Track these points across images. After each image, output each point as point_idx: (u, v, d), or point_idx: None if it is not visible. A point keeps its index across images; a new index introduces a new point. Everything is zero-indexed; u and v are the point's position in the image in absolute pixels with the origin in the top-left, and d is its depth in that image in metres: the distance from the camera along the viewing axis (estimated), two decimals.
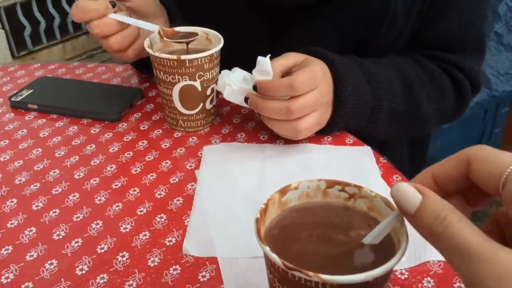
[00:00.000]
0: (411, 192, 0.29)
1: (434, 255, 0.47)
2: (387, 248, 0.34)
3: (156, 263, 0.47)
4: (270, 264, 0.33)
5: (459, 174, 0.30)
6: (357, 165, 0.60)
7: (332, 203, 0.38)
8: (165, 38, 0.67)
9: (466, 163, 0.30)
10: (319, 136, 0.66)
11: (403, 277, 0.45)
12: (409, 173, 0.90)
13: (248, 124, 0.70)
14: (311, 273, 0.30)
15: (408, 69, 0.71)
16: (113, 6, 0.66)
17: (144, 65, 0.78)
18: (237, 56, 0.63)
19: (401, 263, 0.46)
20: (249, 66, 0.61)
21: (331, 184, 0.38)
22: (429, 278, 0.45)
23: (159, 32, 0.66)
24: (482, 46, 0.77)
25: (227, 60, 0.66)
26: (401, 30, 0.72)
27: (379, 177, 0.58)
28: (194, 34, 0.68)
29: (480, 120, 1.79)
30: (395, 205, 0.35)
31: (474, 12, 0.72)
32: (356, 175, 0.58)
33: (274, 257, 0.31)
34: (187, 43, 0.67)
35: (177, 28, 0.69)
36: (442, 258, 0.46)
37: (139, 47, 0.69)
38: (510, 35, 1.69)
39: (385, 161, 0.62)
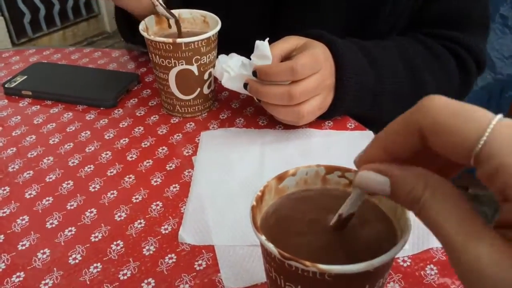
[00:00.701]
0: (375, 179, 0.27)
1: (437, 242, 0.45)
2: (389, 237, 0.32)
3: (151, 252, 0.46)
4: (266, 253, 0.32)
5: (413, 147, 0.26)
6: (358, 150, 0.58)
7: (331, 190, 0.37)
8: (157, 8, 0.64)
9: (420, 135, 0.25)
10: (319, 121, 0.64)
11: (405, 265, 0.44)
12: None
13: (247, 109, 0.68)
14: (308, 263, 0.28)
15: (411, 50, 0.69)
16: None
17: (132, 28, 0.75)
18: (237, 38, 0.61)
19: (404, 251, 0.45)
20: (249, 49, 0.58)
21: (330, 170, 0.37)
22: (432, 266, 0.43)
23: (152, 2, 0.64)
24: (486, 23, 0.75)
25: (227, 43, 0.64)
26: (403, 9, 0.70)
27: None
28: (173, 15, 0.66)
29: (484, 104, 1.75)
30: None
31: None
32: None
33: (270, 246, 0.30)
34: (177, 23, 0.66)
35: (182, 13, 0.67)
36: None
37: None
38: None
39: None
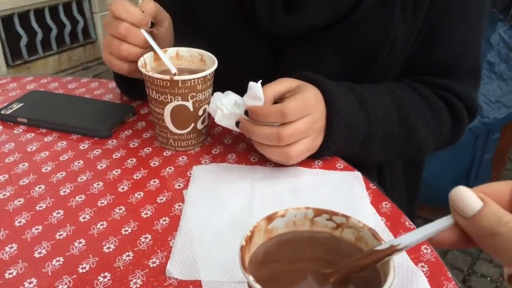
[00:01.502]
0: (471, 197, 0.30)
1: (421, 286, 0.46)
2: (374, 282, 0.33)
3: (138, 285, 0.46)
4: None
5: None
6: (346, 191, 0.60)
7: (319, 234, 0.38)
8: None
9: None
10: (309, 160, 0.65)
11: None
12: (406, 197, 0.91)
13: (239, 146, 0.70)
14: None
15: (403, 95, 0.71)
16: (152, 26, 0.67)
17: (128, 86, 0.77)
18: (236, 81, 0.62)
19: None
20: (246, 90, 0.60)
21: (318, 212, 0.38)
22: None
23: (174, 74, 0.66)
24: (478, 73, 0.78)
25: (228, 82, 0.66)
26: (398, 57, 0.73)
27: (368, 204, 0.58)
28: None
29: (471, 146, 1.80)
30: (382, 237, 0.35)
31: (469, 39, 0.73)
32: (345, 201, 0.58)
33: (257, 287, 0.31)
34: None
35: (168, 50, 0.69)
36: None
37: (136, 68, 0.68)
38: (501, 64, 1.72)
39: (374, 187, 0.61)
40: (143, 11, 0.66)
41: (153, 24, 0.67)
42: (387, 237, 0.52)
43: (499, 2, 1.90)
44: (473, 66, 0.76)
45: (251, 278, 0.31)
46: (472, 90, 0.77)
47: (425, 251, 0.51)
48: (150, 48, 0.67)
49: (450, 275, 0.48)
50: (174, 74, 0.66)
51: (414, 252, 0.51)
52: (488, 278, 1.66)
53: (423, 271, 0.48)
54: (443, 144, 0.79)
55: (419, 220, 1.81)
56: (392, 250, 0.33)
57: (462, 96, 0.75)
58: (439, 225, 0.32)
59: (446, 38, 0.72)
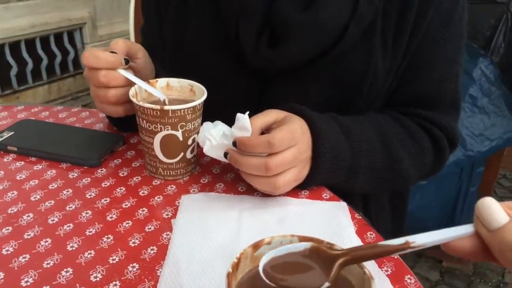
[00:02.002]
0: (498, 210, 0.31)
1: None
2: None
3: None
4: None
5: None
6: (332, 220, 0.61)
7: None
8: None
9: None
10: (296, 189, 0.67)
11: None
12: (392, 227, 0.92)
13: (227, 175, 0.71)
14: None
15: (386, 126, 0.74)
16: (126, 63, 0.68)
17: (120, 121, 0.79)
18: (224, 111, 0.64)
19: None
20: (234, 120, 0.62)
21: (304, 240, 0.39)
22: None
23: (164, 101, 0.68)
24: (457, 104, 0.81)
25: (215, 114, 0.67)
26: (380, 89, 0.75)
27: (353, 233, 0.59)
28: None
29: (457, 178, 1.83)
30: (365, 265, 0.36)
31: (447, 72, 0.76)
32: (330, 230, 0.59)
33: None
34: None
35: (158, 81, 0.71)
36: None
37: (130, 106, 0.70)
38: (484, 98, 1.76)
39: (360, 217, 0.63)
40: (114, 52, 0.67)
41: (127, 61, 0.68)
42: (371, 267, 0.53)
43: (480, 37, 1.96)
44: (453, 97, 0.79)
45: None
46: (453, 121, 0.80)
47: (408, 281, 0.52)
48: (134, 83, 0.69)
49: None
50: (164, 101, 0.68)
51: (398, 282, 0.52)
52: None
53: None
54: (426, 174, 0.81)
55: (408, 254, 1.82)
56: (406, 246, 0.33)
57: (443, 126, 0.78)
58: (459, 231, 0.32)
59: (426, 70, 0.75)
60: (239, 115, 0.60)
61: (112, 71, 0.67)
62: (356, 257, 0.34)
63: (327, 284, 0.33)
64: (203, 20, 0.78)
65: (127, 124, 0.76)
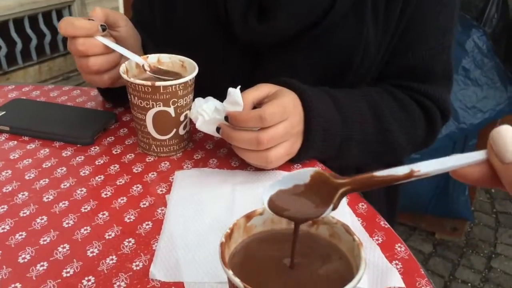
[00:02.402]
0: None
1: (395, 282, 0.48)
2: (346, 274, 0.35)
3: None
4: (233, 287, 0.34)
5: None
6: None
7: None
8: (148, 72, 0.68)
9: None
10: (288, 163, 0.67)
11: None
12: (385, 202, 0.93)
13: (220, 151, 0.71)
14: None
15: (378, 99, 0.74)
16: (103, 30, 0.67)
17: (112, 95, 0.79)
18: (217, 87, 0.64)
19: None
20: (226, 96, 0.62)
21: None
22: None
23: (143, 66, 0.68)
24: (449, 75, 0.81)
25: (207, 90, 0.67)
26: (372, 62, 0.75)
27: (345, 204, 0.60)
28: (174, 74, 0.70)
29: (449, 151, 1.84)
30: (355, 233, 0.36)
31: (440, 43, 0.76)
32: None
33: (237, 281, 0.32)
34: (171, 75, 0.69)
35: (149, 57, 0.70)
36: (402, 285, 0.48)
37: (116, 75, 0.70)
38: (476, 70, 1.76)
39: None
40: (92, 19, 0.67)
41: (104, 28, 0.67)
42: (362, 237, 0.54)
43: (473, 9, 1.95)
44: (445, 69, 0.79)
45: (230, 273, 0.33)
46: (445, 93, 0.80)
47: (399, 249, 0.53)
48: (116, 51, 0.68)
49: (423, 272, 0.50)
50: (143, 66, 0.68)
51: (389, 250, 0.53)
52: (469, 284, 1.70)
53: (397, 268, 0.50)
54: (418, 147, 0.82)
55: (401, 227, 1.84)
56: (411, 174, 0.32)
57: (435, 98, 0.78)
58: (467, 159, 0.31)
59: (418, 42, 0.75)
60: (230, 89, 0.60)
61: (90, 39, 0.66)
62: (359, 184, 0.34)
63: (329, 210, 0.34)
64: None
65: (120, 99, 0.76)
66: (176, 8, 0.78)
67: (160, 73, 0.69)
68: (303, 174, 0.37)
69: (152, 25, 0.83)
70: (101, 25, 0.67)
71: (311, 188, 0.36)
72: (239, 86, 0.61)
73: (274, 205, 0.35)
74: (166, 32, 0.81)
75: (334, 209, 0.34)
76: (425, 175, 0.32)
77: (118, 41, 0.71)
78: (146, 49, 0.78)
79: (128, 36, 0.73)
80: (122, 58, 0.70)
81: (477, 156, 0.31)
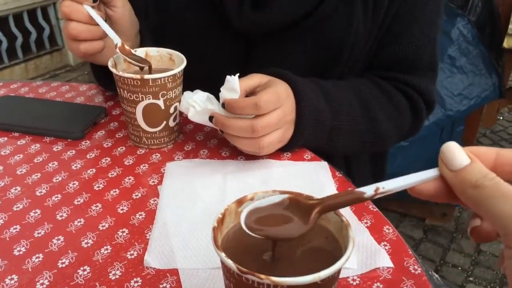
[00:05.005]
0: (461, 152, 0.33)
1: (383, 262, 0.50)
2: (335, 253, 0.36)
3: (117, 276, 0.48)
4: (226, 270, 0.35)
5: None
6: (313, 178, 0.63)
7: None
8: (120, 53, 0.68)
9: None
10: (279, 152, 0.68)
11: (354, 283, 0.48)
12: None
13: (211, 141, 0.72)
14: (262, 276, 0.32)
15: (366, 90, 0.75)
16: (94, 1, 0.67)
17: (107, 79, 0.78)
18: (211, 76, 0.65)
19: (353, 270, 0.49)
20: (220, 86, 0.63)
21: (284, 193, 0.41)
22: (378, 283, 0.48)
23: (116, 45, 0.68)
24: (434, 67, 0.83)
25: (201, 79, 0.68)
26: (361, 52, 0.77)
27: (334, 190, 0.61)
28: (146, 62, 0.69)
29: (437, 138, 1.87)
30: (343, 214, 0.38)
31: (426, 35, 0.78)
32: (312, 187, 0.61)
33: (229, 262, 0.33)
34: (140, 68, 0.69)
35: (137, 50, 0.70)
36: (390, 265, 0.49)
37: (93, 48, 0.69)
38: (462, 58, 1.79)
39: (340, 175, 0.65)
40: None
41: (95, 0, 0.67)
42: (351, 220, 0.55)
43: None
44: (431, 61, 0.81)
45: (223, 255, 0.34)
46: (430, 83, 0.82)
47: (387, 231, 0.55)
48: (98, 26, 0.68)
49: (410, 252, 0.52)
50: (116, 45, 0.68)
51: (377, 232, 0.54)
52: (459, 268, 1.73)
53: (385, 249, 0.52)
54: (404, 136, 0.84)
55: (392, 214, 1.86)
56: (376, 192, 0.35)
57: (420, 89, 0.80)
58: (424, 175, 0.34)
59: (404, 33, 0.77)
60: (228, 77, 0.61)
61: (76, 4, 0.66)
62: (331, 205, 0.36)
63: (305, 230, 0.36)
64: None
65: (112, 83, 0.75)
66: None
67: (132, 57, 0.69)
68: (278, 197, 0.39)
69: (145, 14, 0.83)
70: None
71: (287, 209, 0.38)
72: (237, 74, 0.61)
73: (251, 226, 0.37)
74: (160, 21, 0.82)
75: (307, 228, 0.36)
76: (389, 192, 0.35)
77: (111, 21, 0.71)
78: (143, 38, 0.78)
79: (122, 18, 0.73)
80: (107, 36, 0.69)
81: (431, 173, 0.34)
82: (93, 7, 0.67)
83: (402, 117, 0.79)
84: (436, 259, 1.77)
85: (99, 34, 0.69)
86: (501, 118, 2.74)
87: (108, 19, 0.71)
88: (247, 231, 0.36)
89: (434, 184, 0.34)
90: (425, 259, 1.76)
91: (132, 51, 0.69)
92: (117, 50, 0.67)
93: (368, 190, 0.36)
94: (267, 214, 0.38)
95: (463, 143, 1.93)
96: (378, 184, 0.35)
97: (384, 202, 1.82)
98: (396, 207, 1.96)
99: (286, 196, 0.38)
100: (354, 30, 0.74)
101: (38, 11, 2.89)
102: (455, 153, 0.33)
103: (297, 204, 0.38)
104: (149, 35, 0.79)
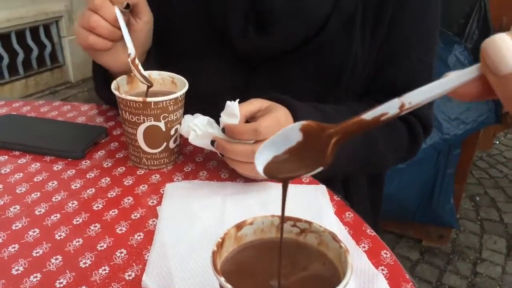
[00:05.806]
0: (510, 52, 0.26)
1: (381, 287, 0.50)
2: (333, 280, 0.37)
3: None
4: None
5: None
6: (312, 202, 0.64)
7: (285, 239, 0.41)
8: (130, 64, 0.69)
9: None
10: None
11: None
12: (370, 209, 0.95)
13: (210, 163, 0.73)
14: None
15: None
16: (127, 7, 0.69)
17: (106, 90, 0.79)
18: (211, 99, 0.66)
19: None
20: (221, 110, 0.63)
21: (285, 220, 0.41)
22: None
23: (129, 55, 0.69)
24: None
25: (201, 102, 0.69)
26: (359, 78, 0.79)
27: (332, 214, 0.61)
28: (149, 82, 0.71)
29: (434, 161, 1.88)
30: (341, 240, 0.38)
31: (422, 61, 0.80)
32: (310, 211, 0.61)
33: (229, 287, 0.34)
34: (148, 87, 0.70)
35: (152, 74, 0.72)
36: None
37: (101, 44, 0.70)
38: None
39: (338, 199, 0.65)
40: None
41: (128, 6, 0.69)
42: (349, 244, 0.56)
43: (454, 25, 2.01)
44: None
45: (222, 279, 0.34)
46: (427, 108, 0.83)
47: (384, 255, 0.55)
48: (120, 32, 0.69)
49: (408, 277, 0.52)
50: (129, 55, 0.69)
51: (375, 257, 0.55)
52: None
53: (383, 273, 0.52)
54: (402, 159, 0.85)
55: (389, 235, 1.86)
56: (402, 109, 0.30)
57: (417, 114, 0.82)
58: (460, 78, 0.28)
59: (400, 59, 0.79)
60: (228, 102, 0.62)
61: (109, 2, 0.68)
62: (350, 130, 0.33)
63: (322, 167, 0.34)
64: (189, 8, 0.79)
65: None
66: (173, 21, 0.81)
67: (141, 74, 0.70)
68: (292, 130, 0.36)
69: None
70: (127, 3, 0.68)
71: (304, 145, 0.35)
72: (237, 100, 0.62)
73: (269, 171, 0.35)
74: (162, 43, 0.83)
75: (326, 162, 0.33)
76: (418, 106, 0.29)
77: (130, 30, 0.72)
78: (149, 56, 0.80)
79: (141, 31, 0.74)
80: (120, 44, 0.71)
81: (470, 74, 0.28)
82: (122, 12, 0.69)
83: (400, 140, 0.81)
84: (433, 281, 1.76)
85: (114, 37, 0.70)
86: (498, 142, 2.76)
87: (128, 27, 0.72)
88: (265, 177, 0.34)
89: (475, 86, 0.28)
90: (421, 280, 1.75)
91: (139, 66, 0.70)
92: (129, 60, 0.69)
93: (391, 108, 0.30)
94: (285, 158, 0.36)
95: (460, 166, 1.94)
96: (403, 99, 0.29)
97: (382, 223, 1.83)
98: (392, 228, 1.96)
99: (299, 126, 0.35)
100: (352, 57, 0.75)
101: (40, 28, 2.92)
102: (503, 53, 0.26)
103: (314, 136, 0.35)
104: (155, 58, 0.80)
